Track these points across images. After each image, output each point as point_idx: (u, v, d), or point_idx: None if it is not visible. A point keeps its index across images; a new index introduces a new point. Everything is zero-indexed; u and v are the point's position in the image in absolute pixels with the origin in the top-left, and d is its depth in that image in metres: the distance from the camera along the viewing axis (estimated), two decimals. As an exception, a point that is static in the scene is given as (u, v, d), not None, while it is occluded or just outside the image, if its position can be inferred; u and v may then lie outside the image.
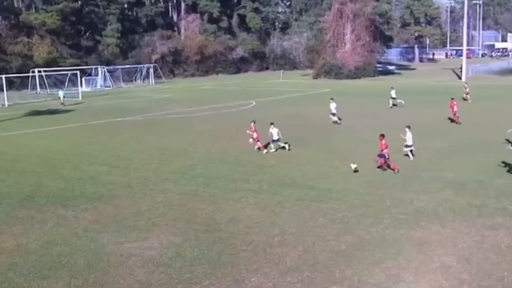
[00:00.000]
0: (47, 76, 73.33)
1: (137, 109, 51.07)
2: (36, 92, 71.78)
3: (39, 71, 73.89)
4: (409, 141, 25.29)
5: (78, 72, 71.64)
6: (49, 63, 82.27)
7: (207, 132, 35.11)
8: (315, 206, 18.69)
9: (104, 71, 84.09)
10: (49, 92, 70.95)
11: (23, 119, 46.38)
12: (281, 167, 24.77)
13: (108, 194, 20.87)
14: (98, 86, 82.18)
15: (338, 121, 37.48)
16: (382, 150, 23.36)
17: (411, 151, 25.40)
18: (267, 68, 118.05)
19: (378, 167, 23.56)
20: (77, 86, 69.49)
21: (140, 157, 27.95)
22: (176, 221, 17.42)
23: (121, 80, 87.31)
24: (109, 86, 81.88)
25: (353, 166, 23.26)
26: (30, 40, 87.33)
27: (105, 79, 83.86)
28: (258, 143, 28.99)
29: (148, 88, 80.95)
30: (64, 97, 58.96)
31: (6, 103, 58.73)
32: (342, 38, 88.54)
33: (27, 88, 73.26)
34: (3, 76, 61.64)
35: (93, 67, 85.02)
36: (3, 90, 60.11)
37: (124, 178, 23.39)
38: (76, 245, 15.43)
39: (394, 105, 46.32)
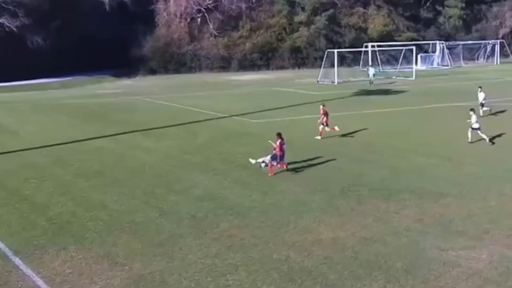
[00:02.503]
0: (380, 52, 75.72)
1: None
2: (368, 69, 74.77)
3: (373, 46, 76.73)
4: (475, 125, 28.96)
5: (414, 47, 72.45)
6: (383, 37, 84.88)
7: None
8: None
9: (443, 47, 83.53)
10: (381, 70, 73.30)
11: (350, 99, 48.89)
12: None
13: (435, 190, 20.88)
14: (435, 65, 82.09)
15: (489, 111, 37.14)
16: (275, 150, 23.71)
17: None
18: None
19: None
20: (411, 64, 70.39)
21: (476, 150, 27.38)
22: (511, 231, 16.68)
23: (461, 58, 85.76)
24: (447, 65, 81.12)
25: (252, 161, 24.30)
26: (366, 11, 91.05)
27: (443, 57, 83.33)
28: (325, 128, 30.50)
29: (491, 68, 78.08)
30: (374, 75, 61.00)
31: (336, 80, 62.47)
32: None
33: (358, 65, 76.79)
34: (335, 51, 65.54)
35: (431, 42, 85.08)
36: (334, 66, 64.01)
37: (454, 174, 23.17)
38: (395, 245, 15.81)
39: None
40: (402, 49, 74.70)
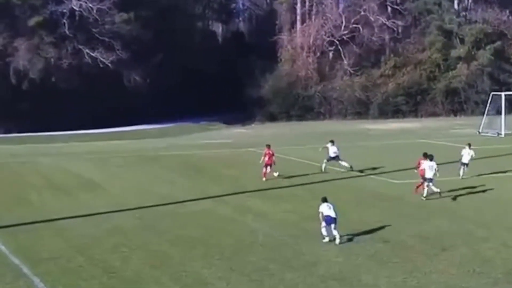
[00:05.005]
0: None
1: None
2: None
3: None
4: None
5: None
6: None
7: None
8: None
9: None
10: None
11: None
12: None
13: None
14: None
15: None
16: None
17: None
18: None
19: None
20: None
21: None
22: None
23: None
24: None
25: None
26: None
27: None
28: (268, 169, 38.22)
29: None
30: None
31: (503, 131, 60.95)
32: None
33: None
34: (503, 94, 64.17)
35: None
36: (500, 113, 62.56)
37: None
38: None
39: None
40: None
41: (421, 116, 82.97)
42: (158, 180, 40.13)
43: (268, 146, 39.18)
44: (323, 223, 24.47)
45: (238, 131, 72.33)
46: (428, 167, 31.96)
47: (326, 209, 24.45)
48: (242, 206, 31.76)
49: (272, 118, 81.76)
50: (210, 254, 23.39)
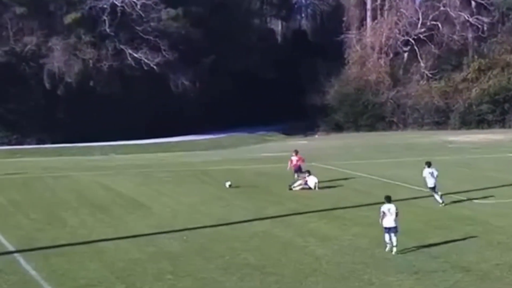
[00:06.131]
0: None
1: None
2: None
3: None
4: None
5: None
6: None
7: None
8: None
9: None
10: None
11: None
12: None
13: None
14: None
15: None
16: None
17: None
18: None
19: None
20: None
21: None
22: None
23: None
24: None
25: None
26: None
27: None
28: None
29: None
30: None
31: None
32: None
33: None
34: None
35: None
36: None
37: None
38: None
39: None
40: None
41: (509, 127, 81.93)
42: (209, 198, 40.26)
43: (296, 152, 43.94)
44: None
45: (299, 143, 72.11)
46: (429, 175, 34.60)
47: (387, 215, 25.00)
48: (303, 229, 31.67)
49: (338, 128, 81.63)
50: (266, 282, 23.42)
